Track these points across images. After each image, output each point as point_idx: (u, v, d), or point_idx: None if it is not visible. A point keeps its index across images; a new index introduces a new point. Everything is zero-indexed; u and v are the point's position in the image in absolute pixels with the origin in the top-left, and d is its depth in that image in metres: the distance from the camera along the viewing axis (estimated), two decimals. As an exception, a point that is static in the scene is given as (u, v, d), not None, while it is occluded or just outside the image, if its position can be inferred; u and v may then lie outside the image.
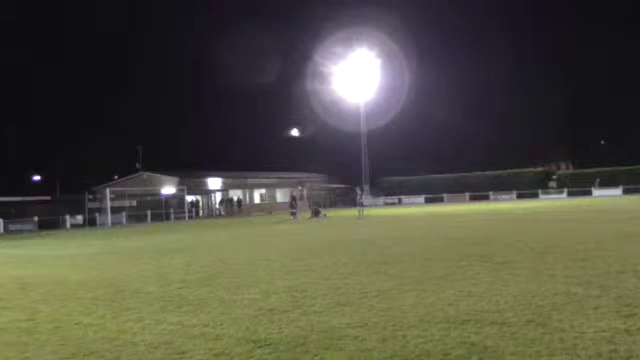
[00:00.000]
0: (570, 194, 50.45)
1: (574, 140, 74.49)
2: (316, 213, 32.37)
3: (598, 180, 50.15)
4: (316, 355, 4.51)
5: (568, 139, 74.67)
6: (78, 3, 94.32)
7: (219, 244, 16.73)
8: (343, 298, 6.73)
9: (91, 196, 44.60)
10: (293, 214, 31.93)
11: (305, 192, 36.30)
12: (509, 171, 56.67)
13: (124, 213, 43.34)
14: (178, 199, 47.33)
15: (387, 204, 56.63)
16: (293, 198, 34.15)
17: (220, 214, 51.09)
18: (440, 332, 4.95)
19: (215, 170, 58.01)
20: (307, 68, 60.56)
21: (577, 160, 70.04)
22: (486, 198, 53.20)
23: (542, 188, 53.84)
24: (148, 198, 47.89)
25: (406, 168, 61.55)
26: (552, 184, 56.27)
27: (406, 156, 66.26)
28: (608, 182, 49.52)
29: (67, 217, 40.27)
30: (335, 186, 64.24)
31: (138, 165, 55.74)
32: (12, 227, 37.27)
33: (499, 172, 56.90)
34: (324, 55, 56.48)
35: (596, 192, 49.28)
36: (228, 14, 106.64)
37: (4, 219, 37.45)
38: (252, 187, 58.36)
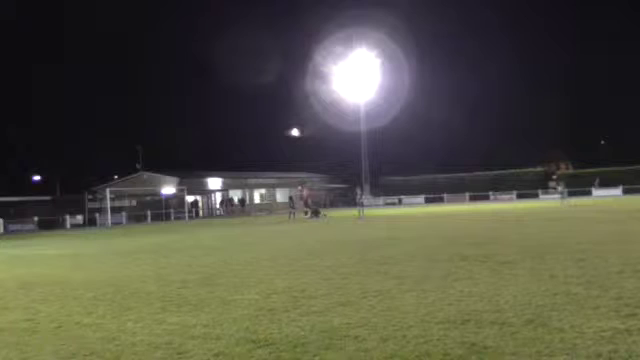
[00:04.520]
0: (570, 194, 50.40)
1: (574, 140, 74.52)
2: (316, 213, 32.43)
3: (598, 180, 50.14)
4: (316, 355, 4.51)
5: (568, 139, 74.71)
6: (78, 3, 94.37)
7: (219, 244, 16.73)
8: (343, 298, 6.72)
9: (91, 196, 44.60)
10: (305, 212, 32.83)
11: (305, 192, 36.33)
12: (509, 171, 56.65)
13: (124, 213, 43.35)
14: (178, 199, 47.33)
15: (387, 204, 56.60)
16: (291, 198, 34.98)
17: (220, 214, 51.08)
18: (440, 332, 4.94)
19: (215, 170, 58.02)
20: (307, 68, 60.61)
21: (577, 160, 70.02)
22: (486, 198, 53.18)
23: (542, 188, 53.83)
24: (148, 198, 47.90)
25: (406, 168, 61.58)
26: (552, 184, 56.27)
27: (406, 156, 66.28)
28: (608, 182, 49.51)
29: (67, 217, 40.27)
30: (335, 186, 64.25)
31: (138, 165, 55.78)
32: (12, 227, 37.28)
33: (499, 172, 56.88)
34: (324, 55, 56.52)
35: (596, 192, 49.26)
36: (228, 14, 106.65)
37: (4, 219, 37.45)
38: (252, 187, 58.36)
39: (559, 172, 62.68)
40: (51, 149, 69.87)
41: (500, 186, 54.45)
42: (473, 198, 54.02)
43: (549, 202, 42.41)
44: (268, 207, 55.31)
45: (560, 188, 37.20)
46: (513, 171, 56.64)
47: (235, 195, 54.56)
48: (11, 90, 74.68)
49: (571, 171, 64.40)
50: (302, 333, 5.17)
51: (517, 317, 5.31)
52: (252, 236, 20.17)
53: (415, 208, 43.89)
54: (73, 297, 7.90)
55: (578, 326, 4.89)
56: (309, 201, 34.42)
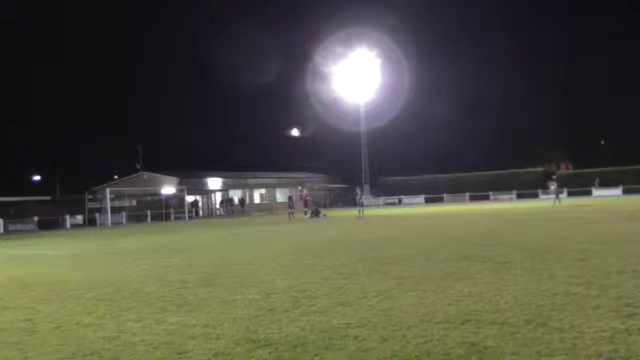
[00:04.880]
0: (570, 194, 50.45)
1: (574, 140, 74.41)
2: (316, 213, 32.44)
3: (598, 180, 50.16)
4: (316, 355, 4.51)
5: (568, 139, 74.60)
6: (78, 3, 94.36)
7: (219, 244, 16.73)
8: (343, 298, 6.73)
9: (91, 196, 44.62)
10: (305, 213, 32.92)
11: (305, 192, 36.44)
12: (509, 171, 56.64)
13: (124, 213, 43.36)
14: (178, 199, 47.33)
15: (387, 204, 56.61)
16: (290, 198, 35.22)
17: (220, 214, 51.09)
18: (440, 332, 4.95)
19: (215, 170, 58.01)
20: (307, 68, 60.60)
21: (577, 160, 69.98)
22: (486, 198, 53.18)
23: (542, 188, 53.86)
24: (148, 198, 47.90)
25: (406, 168, 61.57)
26: (550, 184, 56.29)
27: (406, 156, 66.22)
28: (608, 182, 49.53)
29: (67, 217, 40.28)
30: (335, 186, 64.23)
31: (138, 165, 55.74)
32: (12, 227, 37.28)
33: (499, 172, 56.87)
34: (324, 55, 56.50)
35: (596, 192, 49.28)
36: (228, 14, 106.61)
37: (4, 219, 37.45)
38: (252, 187, 58.36)
39: (559, 172, 62.71)
40: (51, 149, 69.85)
41: (500, 186, 54.44)
42: (473, 198, 54.02)
43: (549, 202, 42.39)
44: (268, 207, 55.31)
45: (552, 188, 37.28)
46: (513, 171, 56.63)
47: (235, 195, 54.54)
48: (11, 90, 74.67)
49: (571, 171, 64.39)
50: (302, 333, 5.18)
51: (517, 317, 5.31)
52: (252, 236, 20.17)
53: (415, 208, 43.89)
54: (73, 297, 7.90)
55: (578, 326, 4.89)
56: (308, 201, 34.45)
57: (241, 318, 5.93)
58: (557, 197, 35.57)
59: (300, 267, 9.82)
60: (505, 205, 40.56)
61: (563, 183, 54.42)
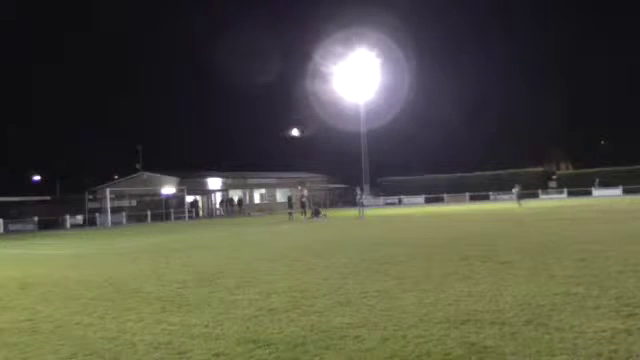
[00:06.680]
0: (570, 194, 50.44)
1: (574, 140, 74.33)
2: (316, 213, 32.39)
3: (598, 180, 50.16)
4: (316, 355, 4.52)
5: (568, 139, 74.51)
6: (78, 3, 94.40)
7: (219, 244, 16.73)
8: (343, 298, 6.73)
9: (91, 196, 44.56)
10: (302, 213, 32.74)
11: (303, 192, 36.27)
12: (509, 171, 56.62)
13: (124, 213, 43.32)
14: (178, 199, 47.30)
15: (387, 204, 56.59)
16: (290, 198, 35.05)
17: (220, 214, 51.09)
18: (440, 332, 4.95)
19: (215, 170, 58.04)
20: (307, 68, 60.62)
21: (577, 160, 69.91)
22: (486, 198, 53.17)
23: (542, 188, 53.85)
24: (148, 198, 47.87)
25: (406, 168, 61.58)
26: (552, 184, 56.28)
27: (406, 156, 66.25)
28: (608, 182, 49.52)
29: (67, 217, 40.26)
30: (335, 186, 64.23)
31: (138, 165, 55.77)
32: (12, 227, 37.26)
33: (499, 172, 56.85)
34: (324, 55, 56.46)
35: (596, 192, 49.28)
36: (228, 14, 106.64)
37: (4, 219, 37.43)
38: (252, 187, 58.35)
39: (559, 172, 62.70)
40: (51, 149, 69.92)
41: (500, 186, 54.42)
42: (473, 198, 54.00)
43: (549, 202, 42.42)
44: (268, 207, 55.31)
45: (515, 190, 37.65)
46: (513, 171, 56.62)
47: (235, 195, 54.54)
48: (11, 90, 74.67)
49: (571, 171, 64.36)
50: (302, 333, 5.18)
51: (517, 317, 5.31)
52: (252, 236, 20.17)
53: (415, 208, 43.89)
54: (73, 297, 7.90)
55: (578, 326, 4.89)
56: (305, 201, 34.30)
57: (241, 318, 5.93)
58: (518, 200, 35.92)
59: (300, 267, 9.82)
60: (505, 205, 40.55)
61: (563, 183, 54.46)
